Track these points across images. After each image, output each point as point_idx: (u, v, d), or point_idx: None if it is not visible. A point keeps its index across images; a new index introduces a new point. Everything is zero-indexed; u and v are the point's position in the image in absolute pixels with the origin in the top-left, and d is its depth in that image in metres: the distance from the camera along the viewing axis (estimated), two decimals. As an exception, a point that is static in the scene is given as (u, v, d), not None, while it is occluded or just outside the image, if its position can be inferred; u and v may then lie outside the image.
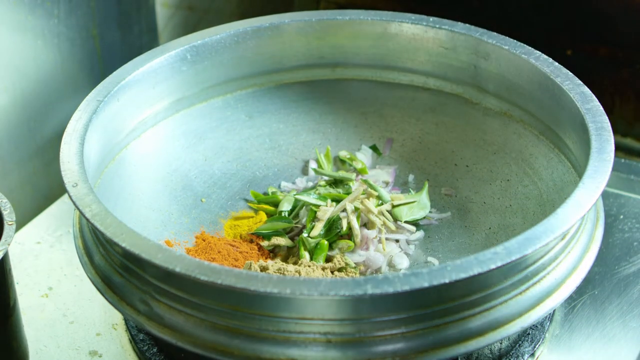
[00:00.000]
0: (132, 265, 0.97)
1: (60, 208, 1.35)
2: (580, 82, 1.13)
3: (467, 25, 1.26)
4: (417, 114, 1.32)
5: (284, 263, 1.10)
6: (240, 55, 1.29)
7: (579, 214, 0.95)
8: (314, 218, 1.18)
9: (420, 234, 1.20)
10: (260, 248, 1.17)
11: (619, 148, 1.57)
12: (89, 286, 1.11)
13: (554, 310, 1.14)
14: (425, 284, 0.87)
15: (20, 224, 1.31)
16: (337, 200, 1.20)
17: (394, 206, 1.21)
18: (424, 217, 1.22)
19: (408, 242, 1.18)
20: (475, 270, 0.88)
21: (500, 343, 1.07)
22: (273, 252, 1.17)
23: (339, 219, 1.17)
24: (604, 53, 1.54)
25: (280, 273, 1.06)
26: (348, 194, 1.22)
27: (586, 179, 0.99)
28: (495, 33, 1.24)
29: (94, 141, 1.11)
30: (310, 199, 1.20)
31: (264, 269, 1.07)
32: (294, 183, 1.29)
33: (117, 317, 1.16)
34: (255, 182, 1.29)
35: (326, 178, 1.27)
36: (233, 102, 1.32)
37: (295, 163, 1.32)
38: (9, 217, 1.03)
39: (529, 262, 0.95)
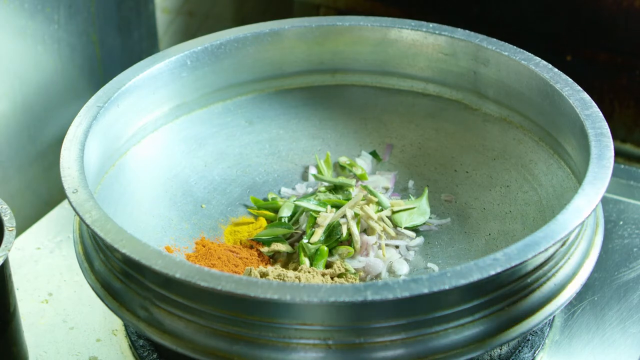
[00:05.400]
0: (132, 271, 0.97)
1: (60, 214, 1.36)
2: (579, 88, 1.13)
3: (467, 31, 1.26)
4: (417, 119, 1.32)
5: (283, 269, 1.10)
6: (240, 61, 1.29)
7: (578, 220, 0.95)
8: (314, 224, 1.18)
9: (420, 240, 1.20)
10: (260, 254, 1.17)
11: (618, 154, 1.57)
12: (89, 292, 1.11)
13: (554, 316, 1.14)
14: (425, 290, 0.87)
15: (20, 229, 1.31)
16: (337, 206, 1.20)
17: (393, 212, 1.21)
18: (424, 223, 1.22)
19: (408, 248, 1.18)
20: (475, 277, 0.89)
21: (500, 349, 1.07)
22: (273, 258, 1.17)
23: (339, 225, 1.17)
24: (604, 59, 1.54)
25: (280, 279, 1.06)
26: (348, 200, 1.22)
27: (586, 185, 0.99)
28: (494, 39, 1.24)
29: (94, 147, 1.11)
30: (310, 205, 1.20)
31: (264, 275, 1.07)
32: (293, 189, 1.29)
33: (117, 323, 1.16)
34: (255, 188, 1.29)
35: (326, 184, 1.27)
36: (233, 107, 1.32)
37: (295, 169, 1.32)
38: (9, 223, 1.03)
39: (528, 268, 0.95)
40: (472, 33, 1.25)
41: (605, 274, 1.21)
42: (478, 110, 1.28)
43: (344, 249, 1.15)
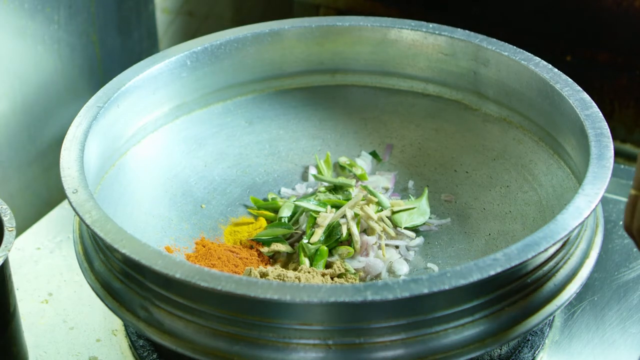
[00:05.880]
0: (132, 271, 0.97)
1: (60, 214, 1.36)
2: (579, 88, 1.13)
3: (467, 31, 1.26)
4: (417, 120, 1.32)
5: (283, 269, 1.10)
6: (240, 61, 1.29)
7: (578, 220, 0.95)
8: (314, 224, 1.18)
9: (419, 240, 1.20)
10: (260, 254, 1.17)
11: (618, 154, 1.57)
12: (88, 292, 1.11)
13: (554, 317, 1.14)
14: (425, 291, 0.87)
15: (20, 229, 1.31)
16: (336, 207, 1.20)
17: (393, 212, 1.21)
18: (424, 223, 1.22)
19: (408, 248, 1.18)
20: (475, 277, 0.89)
21: (500, 349, 1.07)
22: (273, 258, 1.17)
23: (339, 225, 1.17)
24: (604, 59, 1.54)
25: (280, 279, 1.06)
26: (348, 200, 1.22)
27: (586, 185, 0.99)
28: (494, 39, 1.24)
29: (94, 147, 1.11)
30: (310, 205, 1.20)
31: (263, 275, 1.07)
32: (293, 189, 1.29)
33: (117, 323, 1.16)
34: (255, 188, 1.29)
35: (326, 184, 1.27)
36: (233, 108, 1.32)
37: (295, 169, 1.32)
38: (9, 223, 1.03)
39: (528, 269, 0.95)
40: (472, 33, 1.25)
41: (605, 274, 1.21)
42: (478, 110, 1.28)
43: (344, 249, 1.15)
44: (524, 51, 1.21)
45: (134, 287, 0.98)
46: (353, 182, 1.26)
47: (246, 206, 1.26)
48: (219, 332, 0.93)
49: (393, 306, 0.90)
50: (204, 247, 1.16)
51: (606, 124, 1.07)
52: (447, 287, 0.88)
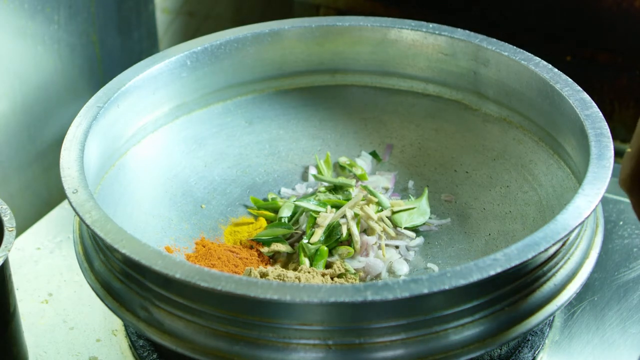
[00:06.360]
0: (132, 271, 0.97)
1: (60, 214, 1.36)
2: (579, 88, 1.13)
3: (467, 31, 1.26)
4: (417, 120, 1.32)
5: (283, 269, 1.10)
6: (240, 61, 1.29)
7: (578, 220, 0.95)
8: (314, 224, 1.18)
9: (420, 240, 1.20)
10: (260, 254, 1.17)
11: (618, 154, 1.56)
12: (89, 292, 1.11)
13: (554, 317, 1.14)
14: (425, 291, 0.87)
15: (20, 229, 1.31)
16: (337, 207, 1.20)
17: (393, 212, 1.21)
18: (424, 223, 1.22)
19: (408, 248, 1.18)
20: (475, 277, 0.89)
21: (500, 349, 1.07)
22: (273, 259, 1.17)
23: (339, 225, 1.17)
24: (604, 59, 1.54)
25: (280, 279, 1.06)
26: (348, 200, 1.22)
27: (586, 185, 0.99)
28: (494, 39, 1.24)
29: (94, 147, 1.11)
30: (310, 205, 1.20)
31: (263, 275, 1.07)
32: (293, 189, 1.29)
33: (117, 323, 1.16)
34: (255, 188, 1.29)
35: (326, 184, 1.27)
36: (233, 108, 1.32)
37: (295, 169, 1.32)
38: (9, 224, 1.03)
39: (528, 269, 0.95)
40: (472, 33, 1.25)
41: (605, 274, 1.21)
42: (478, 110, 1.28)
43: (344, 249, 1.15)
44: (524, 51, 1.21)
45: (134, 287, 0.98)
46: (353, 182, 1.26)
47: (246, 206, 1.26)
48: (219, 332, 0.93)
49: (393, 306, 0.90)
50: (204, 247, 1.16)
51: (606, 124, 1.07)
52: (447, 287, 0.88)
